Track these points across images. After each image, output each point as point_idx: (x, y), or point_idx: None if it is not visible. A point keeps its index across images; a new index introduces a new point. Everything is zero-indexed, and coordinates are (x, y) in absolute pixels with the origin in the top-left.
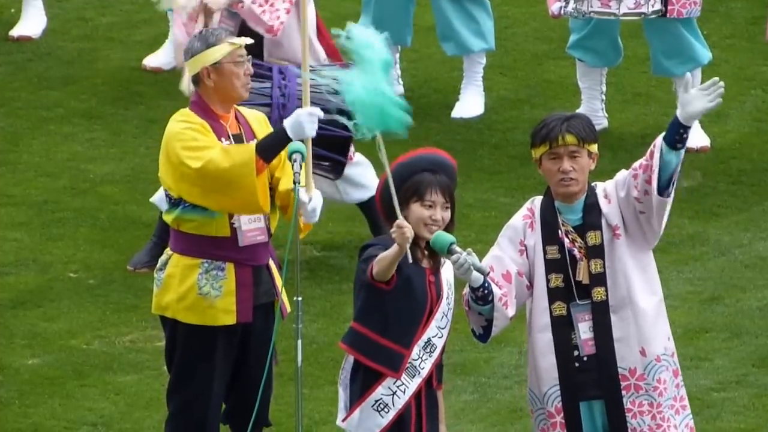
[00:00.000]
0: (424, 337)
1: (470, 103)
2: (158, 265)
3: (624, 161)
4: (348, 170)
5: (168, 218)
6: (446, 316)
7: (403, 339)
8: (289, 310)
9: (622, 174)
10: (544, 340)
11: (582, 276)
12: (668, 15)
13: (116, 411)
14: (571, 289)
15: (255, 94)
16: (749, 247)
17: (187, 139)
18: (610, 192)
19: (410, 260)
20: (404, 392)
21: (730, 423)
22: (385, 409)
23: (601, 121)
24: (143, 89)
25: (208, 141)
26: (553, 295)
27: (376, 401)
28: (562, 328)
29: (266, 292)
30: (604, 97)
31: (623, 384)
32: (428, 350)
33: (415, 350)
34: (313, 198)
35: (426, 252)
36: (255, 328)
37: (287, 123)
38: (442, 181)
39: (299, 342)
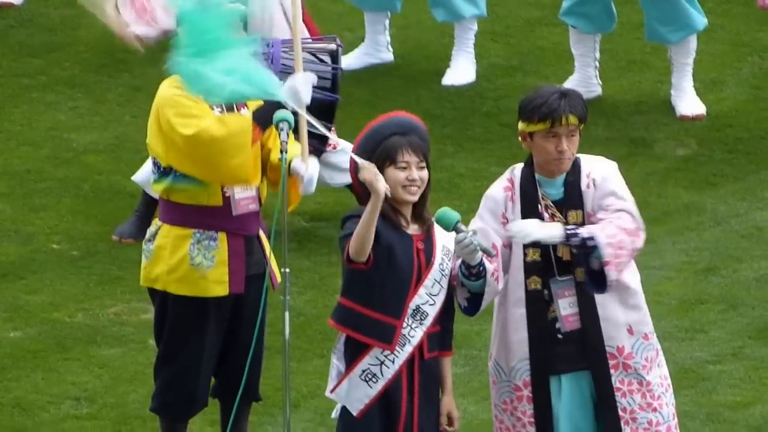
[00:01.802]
0: (412, 305)
1: (461, 71)
2: (147, 236)
3: (618, 129)
4: (333, 157)
5: (158, 188)
6: (439, 282)
7: (391, 309)
8: (279, 280)
9: (605, 208)
10: (517, 314)
11: (562, 252)
12: None
13: (100, 385)
14: (550, 264)
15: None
16: (745, 216)
17: (180, 105)
18: (598, 183)
19: (388, 194)
20: (393, 362)
21: (726, 396)
22: (374, 379)
23: (594, 89)
24: (127, 56)
25: (202, 110)
26: (529, 269)
27: (364, 371)
28: (538, 302)
29: (258, 262)
30: (597, 65)
31: (611, 362)
32: (418, 318)
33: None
34: (309, 166)
35: (410, 219)
36: (247, 299)
37: (283, 90)
38: (412, 141)
39: (287, 314)
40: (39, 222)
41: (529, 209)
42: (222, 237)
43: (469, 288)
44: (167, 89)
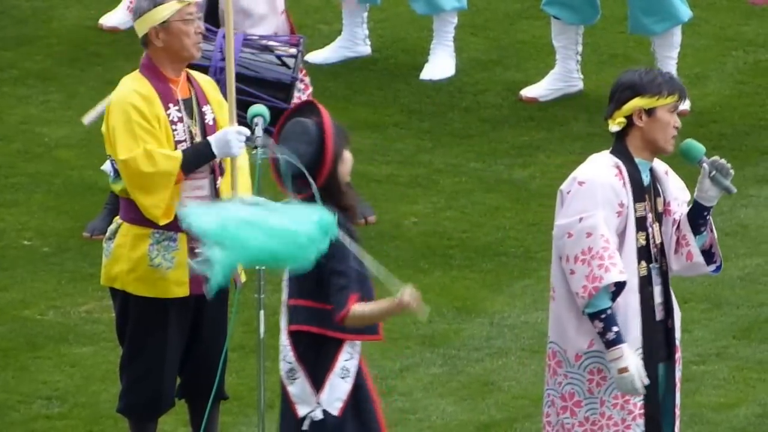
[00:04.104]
0: None
1: (440, 65)
2: (107, 234)
3: (600, 124)
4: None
5: (116, 188)
6: None
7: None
8: (243, 279)
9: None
10: (634, 301)
11: (656, 237)
12: None
13: (72, 384)
14: (650, 249)
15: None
16: (730, 214)
17: (129, 121)
18: (668, 170)
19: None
20: (358, 351)
21: (710, 397)
22: (348, 374)
23: (576, 83)
24: (100, 49)
25: (143, 133)
26: (640, 254)
27: (341, 368)
28: (646, 288)
29: None
30: (579, 58)
31: (676, 356)
32: None
33: None
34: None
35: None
36: (209, 299)
37: (213, 139)
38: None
39: (261, 313)
40: (9, 218)
41: (638, 194)
42: (182, 237)
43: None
44: (123, 93)
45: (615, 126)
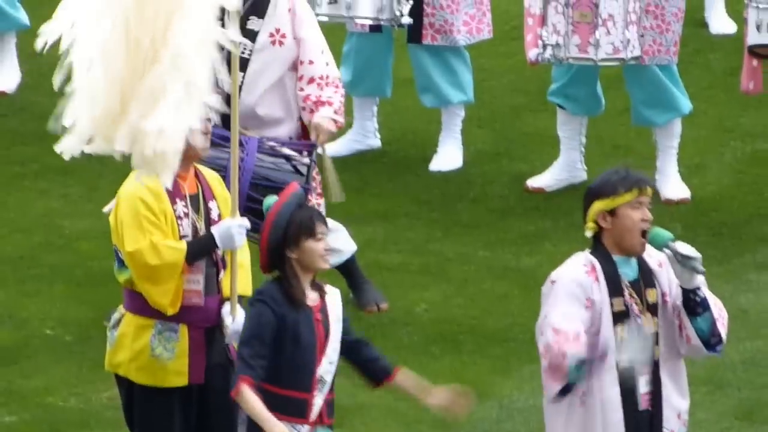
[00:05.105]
0: (317, 376)
1: (449, 156)
2: (111, 323)
3: None
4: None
5: (120, 278)
6: (336, 351)
7: (301, 385)
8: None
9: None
10: (613, 393)
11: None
12: (645, 57)
13: None
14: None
15: (209, 164)
16: (731, 300)
17: (137, 214)
18: (663, 262)
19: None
20: (300, 430)
21: None
22: None
23: (579, 174)
24: None
25: (150, 226)
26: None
27: None
28: (628, 381)
29: (220, 352)
30: (583, 149)
31: None
32: (319, 387)
33: None
34: (236, 319)
35: (310, 289)
36: (213, 386)
37: (216, 232)
38: (316, 212)
39: None
40: (32, 308)
41: (614, 289)
42: (182, 329)
43: (696, 329)
44: (132, 188)
45: (588, 231)
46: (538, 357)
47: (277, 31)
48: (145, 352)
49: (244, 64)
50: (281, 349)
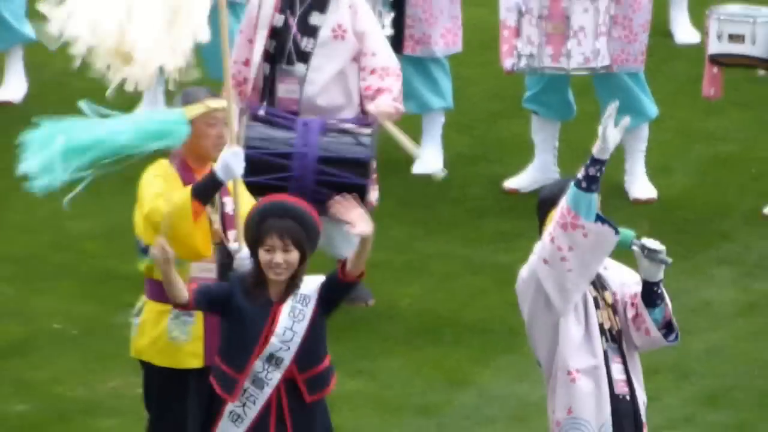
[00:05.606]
0: (264, 354)
1: (430, 160)
2: (135, 311)
3: None
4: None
5: (141, 266)
6: (290, 329)
7: (235, 364)
8: None
9: (631, 278)
10: (603, 377)
11: (607, 322)
12: (614, 65)
13: None
14: (604, 329)
15: (279, 143)
16: (695, 293)
17: (155, 185)
18: (608, 265)
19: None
20: (254, 402)
21: None
22: (239, 419)
23: (553, 176)
24: None
25: (166, 185)
26: (601, 331)
27: (230, 412)
28: (607, 363)
29: None
30: (556, 153)
31: None
32: (273, 363)
33: (258, 363)
34: (243, 248)
35: (283, 291)
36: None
37: (217, 166)
38: (285, 225)
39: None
40: (40, 304)
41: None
42: (198, 314)
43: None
44: (149, 172)
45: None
46: (514, 347)
47: (339, 26)
48: (163, 335)
49: (306, 57)
50: (227, 318)
